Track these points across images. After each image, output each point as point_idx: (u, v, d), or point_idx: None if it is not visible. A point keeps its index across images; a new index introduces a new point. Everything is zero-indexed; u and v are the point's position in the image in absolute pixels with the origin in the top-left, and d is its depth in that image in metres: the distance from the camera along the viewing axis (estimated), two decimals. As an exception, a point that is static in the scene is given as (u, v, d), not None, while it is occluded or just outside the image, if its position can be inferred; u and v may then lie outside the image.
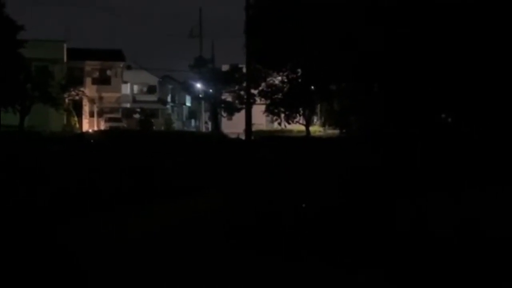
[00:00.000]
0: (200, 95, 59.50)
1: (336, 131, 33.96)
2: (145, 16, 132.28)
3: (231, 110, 55.17)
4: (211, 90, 55.25)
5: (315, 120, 48.43)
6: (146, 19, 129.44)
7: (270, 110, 37.16)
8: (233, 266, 8.72)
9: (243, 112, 47.18)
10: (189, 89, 62.42)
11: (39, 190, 13.20)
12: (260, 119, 50.98)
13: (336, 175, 14.00)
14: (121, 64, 61.40)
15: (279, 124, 37.80)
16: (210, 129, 59.64)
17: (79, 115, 53.76)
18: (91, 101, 57.27)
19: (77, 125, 51.97)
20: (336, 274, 8.17)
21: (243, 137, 37.32)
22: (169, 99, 75.76)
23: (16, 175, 14.29)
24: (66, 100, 46.80)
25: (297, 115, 36.75)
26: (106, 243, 9.87)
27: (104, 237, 10.30)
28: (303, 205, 11.38)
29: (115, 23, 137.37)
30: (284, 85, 36.09)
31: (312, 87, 30.68)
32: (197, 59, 56.84)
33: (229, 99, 55.41)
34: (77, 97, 49.06)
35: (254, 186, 14.90)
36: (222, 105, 55.50)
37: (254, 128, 38.34)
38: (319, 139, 32.64)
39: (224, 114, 57.53)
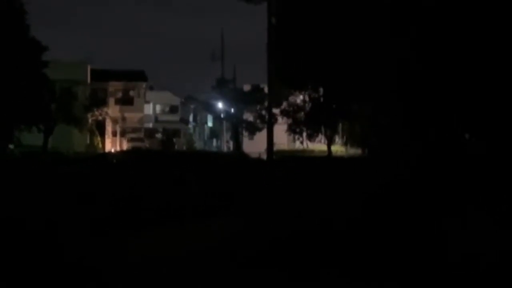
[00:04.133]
0: (222, 115, 59.75)
1: (358, 151, 33.78)
2: (168, 39, 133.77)
3: (252, 129, 55.29)
4: (232, 110, 55.47)
5: (336, 139, 48.28)
6: (169, 42, 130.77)
7: (292, 129, 37.07)
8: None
9: (264, 132, 47.23)
10: (211, 109, 62.74)
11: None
12: (282, 138, 50.92)
13: (360, 196, 13.88)
14: (144, 85, 61.94)
15: (301, 143, 37.65)
16: (231, 148, 59.73)
17: (102, 135, 54.18)
18: (114, 121, 57.76)
19: (100, 145, 52.36)
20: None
21: (264, 156, 37.26)
22: (191, 119, 76.14)
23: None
24: (90, 120, 47.24)
25: (319, 134, 36.63)
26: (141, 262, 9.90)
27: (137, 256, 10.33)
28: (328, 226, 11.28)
29: (139, 44, 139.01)
30: (306, 104, 36.02)
31: (334, 106, 30.59)
32: (219, 79, 57.22)
33: (251, 118, 55.57)
34: (100, 117, 49.49)
35: (277, 208, 14.82)
36: (244, 125, 55.65)
37: (275, 148, 38.26)
38: (341, 159, 32.47)
39: (246, 134, 57.66)
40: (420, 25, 15.02)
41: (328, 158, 34.21)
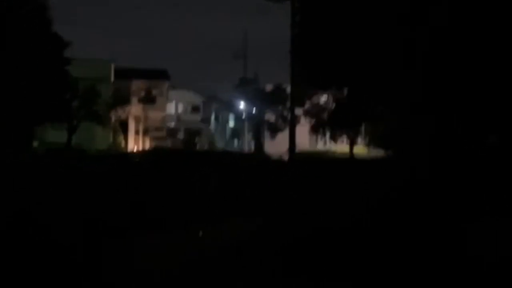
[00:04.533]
0: (244, 115, 59.76)
1: (381, 153, 33.46)
2: (191, 39, 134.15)
3: (274, 130, 55.20)
4: (254, 110, 55.44)
5: (359, 141, 47.98)
6: (192, 41, 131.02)
7: (316, 130, 36.85)
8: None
9: (286, 132, 47.09)
10: (233, 109, 62.83)
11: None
12: (304, 139, 50.71)
13: (382, 197, 13.71)
14: (166, 84, 62.16)
15: (324, 144, 37.38)
16: (253, 149, 59.70)
17: (125, 134, 54.45)
18: (137, 119, 58.03)
19: (123, 144, 52.61)
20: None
21: (286, 157, 37.11)
22: (213, 118, 76.27)
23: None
24: (113, 119, 47.48)
25: (342, 135, 36.36)
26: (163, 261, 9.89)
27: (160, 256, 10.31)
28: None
29: (161, 43, 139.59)
30: (330, 105, 35.72)
31: (358, 107, 30.30)
32: (241, 79, 57.25)
33: (273, 119, 55.47)
34: (123, 116, 49.72)
35: (297, 209, 14.71)
36: (265, 125, 55.58)
37: (297, 149, 38.08)
38: (363, 161, 32.21)
39: (267, 134, 57.56)
40: (444, 14, 14.77)
41: (351, 159, 33.99)
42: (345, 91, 32.83)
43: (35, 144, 36.14)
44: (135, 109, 56.69)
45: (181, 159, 28.02)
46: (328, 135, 36.37)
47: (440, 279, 8.46)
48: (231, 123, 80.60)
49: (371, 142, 40.44)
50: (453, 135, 13.46)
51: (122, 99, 51.30)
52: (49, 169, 19.68)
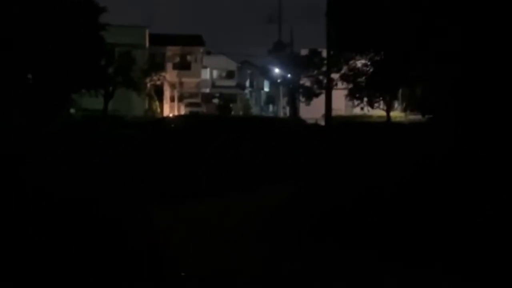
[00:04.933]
0: (279, 80, 59.34)
1: (418, 117, 32.96)
2: (225, 2, 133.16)
3: (309, 95, 54.74)
4: (289, 75, 54.99)
5: (396, 105, 47.33)
6: (225, 5, 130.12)
7: (353, 95, 36.32)
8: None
9: (321, 97, 46.67)
10: (267, 74, 62.35)
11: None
12: (340, 104, 50.24)
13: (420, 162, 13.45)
14: (201, 49, 61.98)
15: (362, 109, 36.85)
16: (287, 114, 59.40)
17: (160, 100, 54.64)
18: (172, 86, 58.14)
19: (158, 110, 52.87)
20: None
21: (321, 122, 36.86)
22: (247, 84, 76.02)
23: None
24: (148, 85, 47.62)
25: (379, 99, 35.84)
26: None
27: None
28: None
29: (195, 9, 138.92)
30: (368, 69, 35.10)
31: (396, 71, 29.71)
32: (275, 44, 56.67)
33: (308, 84, 54.99)
34: (158, 82, 49.80)
35: (335, 175, 14.57)
36: (300, 90, 55.14)
37: (333, 114, 37.77)
38: (401, 125, 31.83)
39: (302, 99, 57.16)
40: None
41: (387, 123, 33.58)
42: (383, 54, 32.22)
43: (72, 111, 36.49)
44: (170, 75, 56.74)
45: (216, 125, 28.02)
46: (365, 99, 35.81)
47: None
48: (266, 89, 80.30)
49: (408, 106, 39.87)
50: (493, 101, 13.04)
51: (157, 66, 51.31)
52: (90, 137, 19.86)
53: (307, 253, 8.81)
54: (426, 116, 23.70)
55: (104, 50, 35.88)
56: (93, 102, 38.15)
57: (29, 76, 27.40)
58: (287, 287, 7.41)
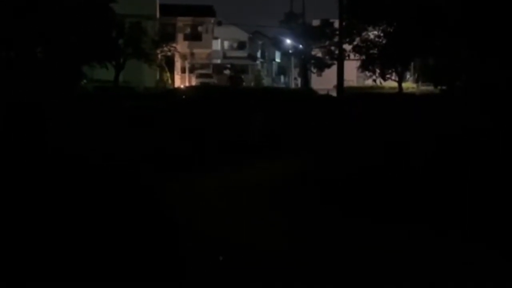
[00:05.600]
0: (290, 51, 58.99)
1: (430, 88, 32.71)
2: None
3: (321, 66, 54.43)
4: (301, 46, 54.64)
5: (407, 76, 46.95)
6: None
7: (365, 67, 35.99)
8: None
9: (333, 68, 46.39)
10: (279, 45, 62.00)
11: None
12: (351, 75, 49.96)
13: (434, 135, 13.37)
14: (212, 20, 61.57)
15: (374, 81, 36.56)
16: (299, 85, 59.17)
17: (171, 71, 54.49)
18: (183, 57, 57.92)
19: (170, 81, 52.77)
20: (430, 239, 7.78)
21: (332, 93, 36.67)
22: (259, 55, 75.64)
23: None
24: (159, 56, 47.43)
25: (391, 71, 35.55)
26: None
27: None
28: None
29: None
30: (381, 40, 34.74)
31: (409, 41, 29.36)
32: (287, 14, 56.22)
33: (319, 55, 54.63)
34: (169, 53, 49.58)
35: (346, 145, 14.54)
36: (312, 61, 54.83)
37: (345, 85, 37.56)
38: (413, 96, 31.64)
39: (314, 70, 56.85)
40: None
41: (400, 94, 33.36)
42: (395, 25, 31.85)
43: (84, 82, 36.47)
44: (181, 46, 56.48)
45: (228, 96, 27.97)
46: (377, 71, 35.51)
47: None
48: (278, 60, 79.90)
49: (421, 77, 39.53)
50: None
51: (168, 37, 51.04)
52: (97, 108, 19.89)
53: (310, 216, 9.03)
54: (439, 87, 23.53)
55: (114, 21, 35.64)
56: (104, 73, 38.07)
57: (39, 49, 27.32)
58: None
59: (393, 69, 35.46)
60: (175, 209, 9.14)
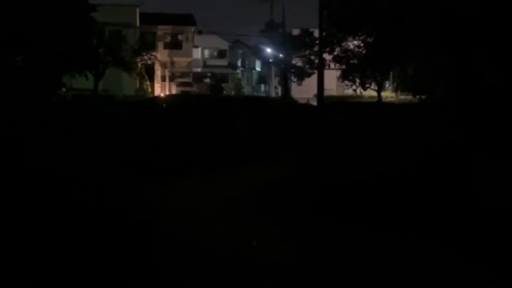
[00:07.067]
0: (270, 60, 59.19)
1: (409, 97, 33.00)
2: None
3: (301, 75, 54.71)
4: (281, 55, 54.85)
5: (386, 85, 47.34)
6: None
7: (345, 76, 36.26)
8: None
9: (313, 77, 46.63)
10: (259, 54, 62.21)
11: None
12: (331, 84, 50.24)
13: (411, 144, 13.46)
14: (192, 29, 61.60)
15: (354, 90, 36.83)
16: (279, 94, 59.35)
17: (151, 80, 54.40)
18: (163, 65, 57.85)
19: (149, 89, 52.66)
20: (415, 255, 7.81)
21: (313, 102, 36.84)
22: (239, 63, 75.77)
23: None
24: (139, 65, 47.34)
25: (371, 80, 35.85)
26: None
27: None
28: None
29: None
30: (361, 50, 35.02)
31: (388, 50, 29.63)
32: (267, 23, 56.46)
33: (299, 64, 54.90)
34: (149, 62, 49.55)
35: (326, 154, 14.56)
36: (292, 70, 55.07)
37: (324, 94, 37.78)
38: (392, 105, 31.84)
39: (294, 79, 57.09)
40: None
41: (379, 104, 33.59)
42: (376, 35, 32.10)
43: (63, 91, 36.25)
44: (161, 54, 56.44)
45: (208, 105, 27.93)
46: (357, 80, 35.80)
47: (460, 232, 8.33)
48: (258, 68, 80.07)
49: (399, 86, 39.88)
50: (479, 77, 12.99)
51: (148, 45, 51.01)
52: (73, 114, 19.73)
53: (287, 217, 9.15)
54: (417, 97, 23.71)
55: (94, 31, 35.58)
56: (83, 81, 37.90)
57: (18, 58, 27.13)
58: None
59: (373, 79, 35.77)
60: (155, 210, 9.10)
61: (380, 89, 36.67)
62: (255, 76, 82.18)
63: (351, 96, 40.40)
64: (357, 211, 9.30)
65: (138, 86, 50.73)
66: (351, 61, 35.43)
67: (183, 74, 60.74)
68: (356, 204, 9.55)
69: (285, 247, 8.01)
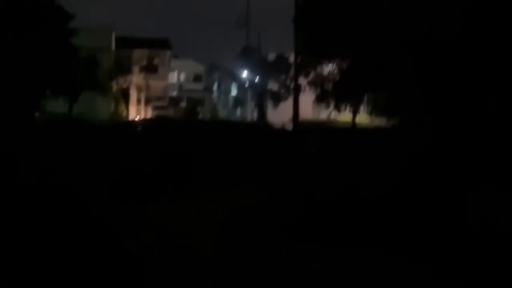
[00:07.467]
0: (246, 84, 59.46)
1: (383, 121, 33.26)
2: (192, 6, 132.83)
3: (276, 99, 54.93)
4: (257, 79, 55.14)
5: (361, 109, 47.67)
6: (193, 8, 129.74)
7: (320, 100, 36.45)
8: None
9: (289, 101, 46.80)
10: (235, 78, 62.47)
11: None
12: (306, 108, 50.39)
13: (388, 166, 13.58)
14: (168, 53, 61.67)
15: (329, 114, 37.06)
16: (255, 118, 59.50)
17: (127, 103, 54.19)
18: (139, 89, 57.71)
19: (125, 113, 52.43)
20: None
21: (288, 126, 36.95)
22: (215, 87, 75.92)
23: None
24: (114, 88, 47.19)
25: (345, 105, 36.08)
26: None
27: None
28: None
29: (162, 12, 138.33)
30: (335, 75, 35.30)
31: (362, 76, 29.94)
32: (243, 48, 56.80)
33: (275, 88, 55.18)
34: (124, 85, 49.43)
35: (303, 178, 14.62)
36: (268, 94, 55.31)
37: (300, 118, 37.92)
38: (365, 130, 32.09)
39: (270, 103, 57.30)
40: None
41: (353, 128, 33.81)
42: (350, 60, 32.45)
43: (36, 114, 35.96)
44: (136, 78, 56.33)
45: (183, 128, 27.88)
46: (332, 105, 36.02)
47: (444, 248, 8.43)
48: (234, 92, 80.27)
49: (374, 110, 40.17)
50: (454, 102, 13.24)
51: (124, 68, 50.90)
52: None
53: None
54: (391, 120, 24.02)
55: (72, 55, 35.54)
56: (57, 105, 37.64)
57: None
58: None
59: (347, 103, 36.00)
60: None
61: (355, 113, 36.92)
62: (231, 100, 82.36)
63: (326, 121, 40.61)
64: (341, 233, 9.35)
65: (113, 109, 50.47)
66: (325, 87, 35.69)
67: (159, 98, 60.62)
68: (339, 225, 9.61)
69: None
